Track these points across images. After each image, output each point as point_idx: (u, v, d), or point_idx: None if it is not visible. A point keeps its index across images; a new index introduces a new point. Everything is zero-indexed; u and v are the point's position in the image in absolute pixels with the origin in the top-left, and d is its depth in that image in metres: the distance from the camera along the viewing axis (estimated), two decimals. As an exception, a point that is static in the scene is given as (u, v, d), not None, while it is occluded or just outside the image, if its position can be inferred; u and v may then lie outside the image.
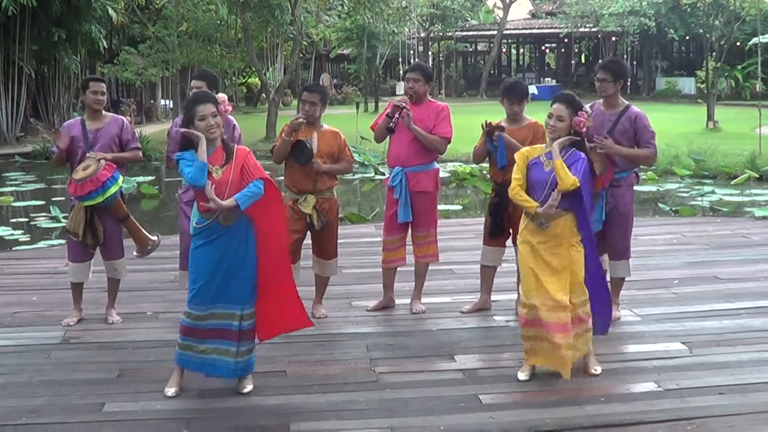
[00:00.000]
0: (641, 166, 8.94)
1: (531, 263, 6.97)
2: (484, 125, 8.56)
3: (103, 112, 8.93)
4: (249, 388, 6.93)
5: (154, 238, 9.08)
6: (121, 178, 8.61)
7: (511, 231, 8.64)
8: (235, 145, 6.88)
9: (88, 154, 8.54)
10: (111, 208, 8.62)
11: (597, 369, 7.13)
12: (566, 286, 6.92)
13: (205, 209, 6.64)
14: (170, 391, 6.86)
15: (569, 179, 6.77)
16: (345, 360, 7.68)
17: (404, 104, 8.75)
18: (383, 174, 23.05)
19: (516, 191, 7.00)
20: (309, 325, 7.23)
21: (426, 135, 8.75)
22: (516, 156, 7.16)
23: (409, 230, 9.05)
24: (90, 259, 8.92)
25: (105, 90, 8.91)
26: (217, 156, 6.70)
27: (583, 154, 6.99)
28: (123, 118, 9.14)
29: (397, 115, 8.74)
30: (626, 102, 8.46)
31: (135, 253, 9.11)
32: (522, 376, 7.07)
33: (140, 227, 9.00)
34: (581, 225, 6.99)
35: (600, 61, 9.01)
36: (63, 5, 33.02)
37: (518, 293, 8.79)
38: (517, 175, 7.02)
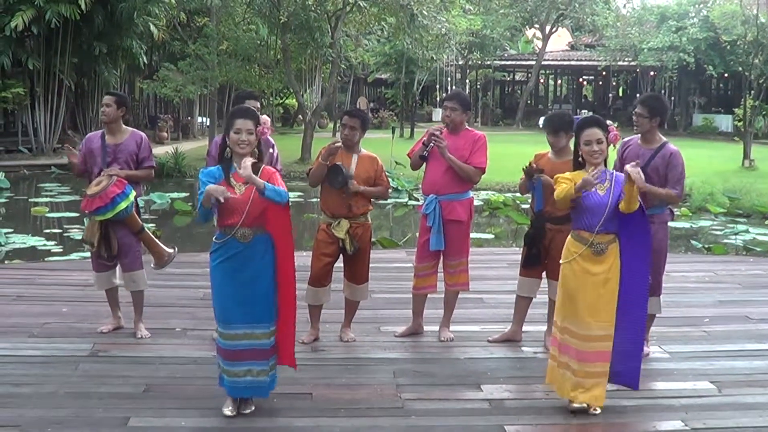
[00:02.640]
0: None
1: (587, 291, 6.87)
2: (525, 168, 8.53)
3: (123, 126, 9.04)
4: (252, 408, 6.93)
5: (171, 250, 9.16)
6: (132, 194, 8.70)
7: (546, 263, 8.60)
8: (263, 165, 6.87)
9: (104, 171, 8.64)
10: (125, 222, 8.70)
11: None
12: (614, 315, 6.90)
13: (209, 198, 6.60)
14: (227, 410, 6.86)
15: (636, 204, 6.79)
16: (371, 385, 7.66)
17: (440, 132, 8.75)
18: (417, 199, 23.08)
19: (558, 188, 6.95)
20: (293, 366, 7.12)
21: (460, 164, 8.74)
22: (561, 176, 7.07)
23: (441, 258, 9.03)
24: (110, 269, 9.05)
25: (112, 103, 8.94)
26: None
27: (618, 173, 7.02)
28: (142, 134, 9.20)
29: (431, 144, 8.74)
30: (664, 139, 8.38)
31: (152, 266, 9.18)
32: (577, 405, 6.96)
33: (156, 240, 9.09)
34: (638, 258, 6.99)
35: (638, 95, 8.96)
36: (105, 20, 33.28)
37: (549, 323, 8.81)
38: (561, 187, 6.94)
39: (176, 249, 9.33)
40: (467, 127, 9.08)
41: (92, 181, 8.79)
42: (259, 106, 8.58)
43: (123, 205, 8.59)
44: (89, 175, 8.91)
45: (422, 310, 9.18)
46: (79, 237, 17.17)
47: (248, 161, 6.54)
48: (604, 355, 6.88)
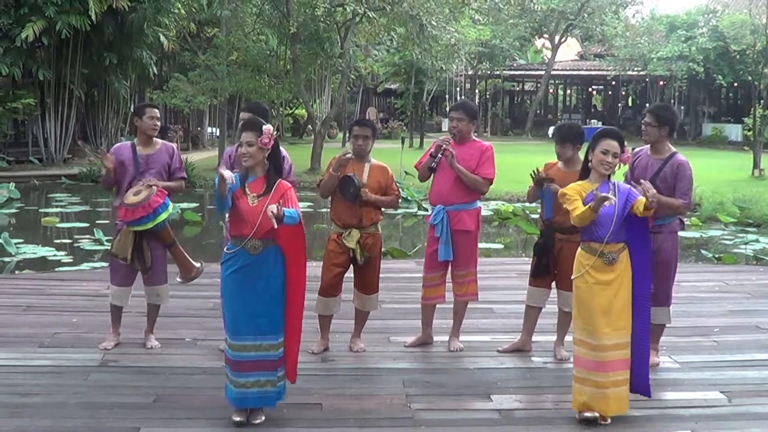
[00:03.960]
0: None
1: (601, 302, 6.86)
2: (533, 174, 8.53)
3: (154, 138, 9.01)
4: (263, 418, 6.91)
5: (198, 264, 9.12)
6: (171, 205, 8.68)
7: (556, 272, 8.59)
8: (279, 179, 6.88)
9: (141, 181, 8.62)
10: (159, 234, 8.69)
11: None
12: (630, 322, 6.89)
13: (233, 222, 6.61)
14: (237, 417, 6.86)
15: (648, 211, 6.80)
16: (381, 395, 7.65)
17: (447, 144, 8.74)
18: (426, 209, 23.03)
19: (576, 212, 6.92)
20: (291, 381, 7.12)
21: (468, 174, 8.74)
22: (567, 189, 7.08)
23: (449, 268, 9.03)
24: (132, 284, 8.99)
25: (159, 116, 9.00)
26: (257, 185, 6.73)
27: (623, 184, 7.01)
28: (173, 145, 9.22)
29: (439, 155, 8.74)
30: (673, 149, 8.38)
31: (178, 279, 9.16)
32: (588, 414, 6.92)
33: (185, 254, 9.04)
34: (639, 269, 6.99)
35: (648, 105, 8.94)
36: (116, 31, 33.40)
37: (559, 333, 8.80)
38: (574, 205, 6.94)
39: (203, 264, 9.30)
40: (474, 137, 9.08)
41: (120, 191, 8.73)
42: (248, 116, 8.51)
43: (163, 216, 8.58)
44: (118, 187, 8.87)
45: (431, 321, 9.17)
46: (89, 248, 17.24)
47: (273, 208, 6.50)
48: (623, 363, 6.88)
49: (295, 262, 6.83)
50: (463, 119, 8.90)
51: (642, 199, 6.79)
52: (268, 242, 6.73)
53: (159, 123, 8.97)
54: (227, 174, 6.54)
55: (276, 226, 6.46)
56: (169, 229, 8.82)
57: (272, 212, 6.42)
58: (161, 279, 8.98)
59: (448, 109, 50.31)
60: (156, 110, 9.03)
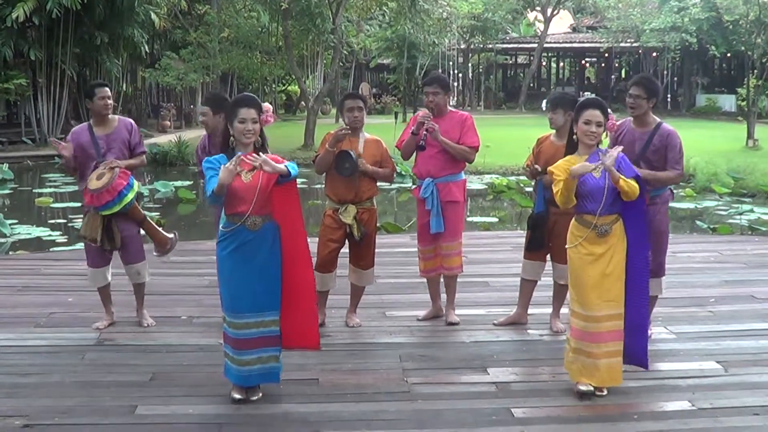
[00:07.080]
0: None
1: (592, 273, 6.84)
2: (528, 167, 8.60)
3: (110, 115, 8.95)
4: (260, 395, 6.93)
5: (171, 235, 9.11)
6: (136, 184, 8.66)
7: (551, 245, 8.59)
8: (269, 153, 6.82)
9: (103, 164, 8.57)
10: (127, 214, 8.66)
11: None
12: (622, 293, 6.89)
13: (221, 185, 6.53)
14: (236, 394, 6.86)
15: (635, 189, 6.74)
16: (378, 370, 7.66)
17: (428, 119, 8.71)
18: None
19: (558, 190, 6.89)
20: (316, 348, 7.18)
21: (455, 146, 8.75)
22: (554, 168, 7.02)
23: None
24: (108, 264, 8.97)
25: (110, 95, 8.91)
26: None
27: (616, 151, 6.93)
28: (130, 120, 9.13)
29: (424, 132, 8.71)
30: (657, 119, 8.32)
31: (155, 254, 9.17)
32: (583, 388, 6.94)
33: (157, 228, 9.04)
34: (636, 236, 6.96)
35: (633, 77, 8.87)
36: (106, 9, 33.30)
37: (555, 306, 8.81)
38: (557, 187, 6.88)
39: (176, 234, 9.30)
40: (451, 108, 9.09)
41: (85, 175, 8.68)
42: (207, 110, 8.69)
43: (129, 197, 8.54)
44: (81, 171, 8.80)
45: (439, 292, 9.18)
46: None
47: (263, 157, 6.50)
48: (616, 334, 6.86)
49: (294, 231, 6.81)
50: (438, 92, 8.89)
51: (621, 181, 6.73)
52: (267, 218, 6.69)
53: (110, 101, 8.85)
54: (232, 168, 6.49)
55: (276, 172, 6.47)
56: (137, 207, 8.79)
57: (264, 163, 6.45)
58: (138, 257, 8.95)
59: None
60: (106, 89, 8.90)
